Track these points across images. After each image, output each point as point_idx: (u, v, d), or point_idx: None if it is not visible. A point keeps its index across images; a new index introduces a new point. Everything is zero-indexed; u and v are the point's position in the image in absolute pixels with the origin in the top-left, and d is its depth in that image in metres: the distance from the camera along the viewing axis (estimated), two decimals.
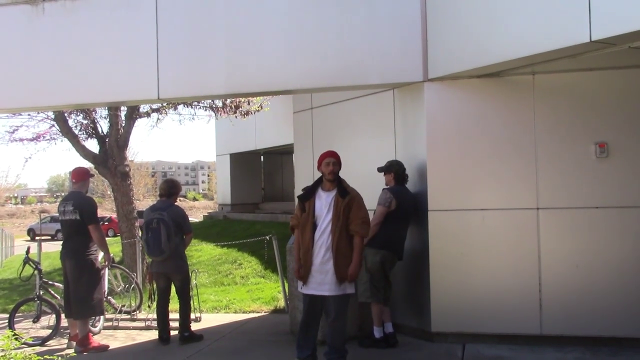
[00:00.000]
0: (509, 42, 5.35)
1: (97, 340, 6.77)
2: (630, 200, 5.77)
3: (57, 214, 6.90)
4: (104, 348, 6.59)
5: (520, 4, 5.24)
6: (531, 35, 5.13)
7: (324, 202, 5.31)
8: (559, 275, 5.91)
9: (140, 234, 10.41)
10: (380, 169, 6.30)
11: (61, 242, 6.81)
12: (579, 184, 5.88)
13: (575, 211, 5.88)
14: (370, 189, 6.39)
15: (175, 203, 6.91)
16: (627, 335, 5.79)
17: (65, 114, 11.52)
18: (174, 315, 6.96)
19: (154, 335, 6.95)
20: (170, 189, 6.89)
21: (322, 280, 5.21)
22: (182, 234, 6.73)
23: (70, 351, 6.32)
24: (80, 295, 6.49)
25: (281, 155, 22.37)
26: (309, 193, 5.39)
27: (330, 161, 5.36)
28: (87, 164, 11.65)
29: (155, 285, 6.98)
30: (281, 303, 8.54)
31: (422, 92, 6.25)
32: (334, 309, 5.26)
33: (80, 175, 6.83)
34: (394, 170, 6.20)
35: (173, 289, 6.84)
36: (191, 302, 7.08)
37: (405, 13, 6.21)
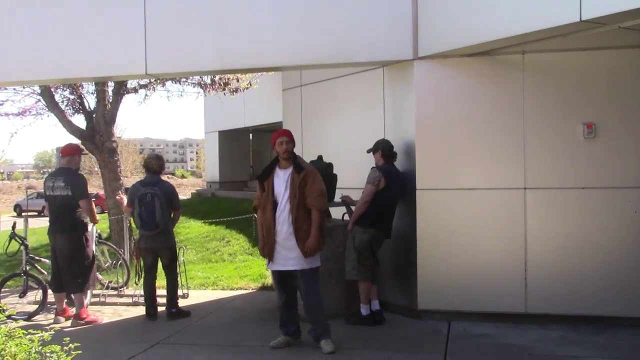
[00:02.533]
0: (499, 20, 5.32)
1: (89, 314, 6.81)
2: (616, 181, 5.80)
3: (44, 190, 6.84)
4: (96, 321, 6.68)
5: None
6: (521, 14, 5.11)
7: (281, 180, 5.39)
8: (545, 254, 5.95)
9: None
10: (368, 151, 6.28)
11: (48, 218, 6.77)
12: (567, 165, 5.90)
13: (562, 191, 5.92)
14: (360, 167, 6.40)
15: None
16: (610, 314, 5.86)
17: (52, 89, 11.41)
18: (161, 291, 6.97)
19: (141, 311, 6.96)
20: (161, 165, 6.92)
21: (287, 256, 5.33)
22: (170, 210, 6.73)
23: (56, 326, 6.32)
24: (76, 270, 6.59)
25: (270, 133, 22.23)
26: (266, 172, 5.47)
27: (284, 140, 5.42)
28: (74, 140, 11.54)
29: (142, 262, 6.96)
30: (269, 280, 8.55)
31: (412, 70, 6.22)
32: (303, 283, 5.38)
33: (68, 151, 6.82)
34: (381, 147, 6.18)
35: (160, 265, 6.84)
36: (179, 278, 7.08)
37: None
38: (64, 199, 6.54)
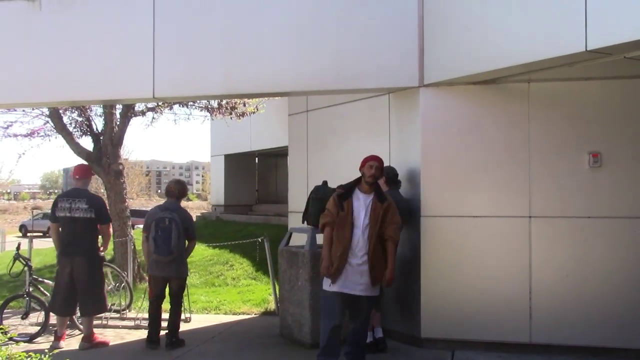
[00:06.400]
0: (505, 49, 5.35)
1: (97, 336, 6.80)
2: (622, 210, 5.78)
3: (54, 210, 6.64)
4: (106, 344, 6.69)
5: (517, 12, 5.25)
6: (527, 43, 5.14)
7: (362, 204, 5.36)
8: (550, 284, 5.91)
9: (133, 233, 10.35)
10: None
11: (60, 239, 6.64)
12: (572, 193, 5.89)
13: (567, 220, 5.89)
14: None
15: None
16: (616, 345, 5.79)
17: (60, 111, 11.48)
18: (164, 315, 6.92)
19: (143, 334, 6.91)
20: (183, 190, 6.80)
21: (357, 281, 5.26)
22: (185, 239, 6.60)
23: (56, 350, 6.31)
24: (93, 293, 6.58)
25: (276, 157, 22.32)
26: (348, 193, 5.41)
27: (374, 165, 5.41)
28: (81, 162, 11.59)
29: (153, 289, 6.68)
30: (272, 305, 8.51)
31: (418, 98, 6.25)
32: (365, 309, 5.37)
33: (84, 172, 6.84)
34: (385, 174, 6.17)
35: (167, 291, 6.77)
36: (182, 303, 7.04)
37: (402, 19, 6.22)
38: (86, 221, 6.51)
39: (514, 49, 5.28)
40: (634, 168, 5.78)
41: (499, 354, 5.95)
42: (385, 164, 6.40)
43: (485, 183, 6.10)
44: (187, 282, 6.96)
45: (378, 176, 5.45)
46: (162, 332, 6.70)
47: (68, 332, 6.98)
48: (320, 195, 6.47)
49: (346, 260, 5.24)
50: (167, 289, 6.72)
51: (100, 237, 6.76)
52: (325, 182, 6.56)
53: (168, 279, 6.61)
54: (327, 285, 5.37)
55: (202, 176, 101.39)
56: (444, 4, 5.99)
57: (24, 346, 6.28)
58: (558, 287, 5.89)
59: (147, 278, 7.46)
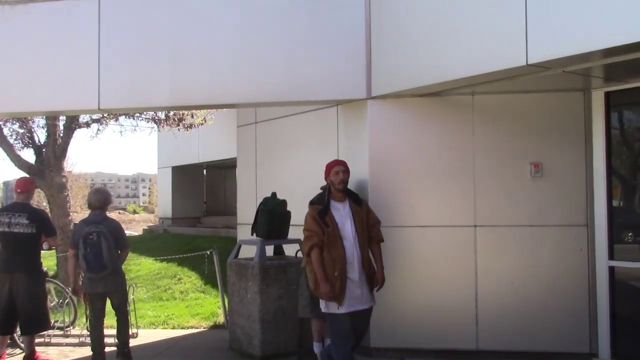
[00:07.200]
0: (450, 63, 5.48)
1: (40, 354, 6.60)
2: (563, 219, 5.96)
3: None
4: None
5: (461, 27, 5.38)
6: (471, 57, 5.28)
7: (342, 213, 5.07)
8: (495, 291, 6.04)
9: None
10: (322, 188, 6.26)
11: (2, 256, 6.32)
12: (515, 203, 6.05)
13: (510, 229, 6.04)
14: None
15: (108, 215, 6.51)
16: (559, 350, 5.96)
17: (1, 122, 11.16)
18: (108, 330, 6.74)
19: (87, 352, 6.71)
20: (104, 199, 6.31)
21: (361, 294, 5.01)
22: (118, 250, 6.26)
23: None
24: (34, 310, 6.31)
25: (224, 169, 22.19)
26: (327, 207, 5.06)
27: (340, 169, 5.16)
28: (22, 175, 11.26)
29: (90, 307, 6.30)
30: (221, 319, 8.43)
31: (366, 109, 6.33)
32: (368, 320, 5.22)
33: (26, 186, 6.58)
34: None
35: (108, 305, 6.57)
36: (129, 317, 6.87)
37: (350, 31, 6.30)
38: (26, 236, 6.26)
39: (458, 62, 5.40)
40: (573, 177, 5.98)
41: None
42: None
43: (431, 193, 6.20)
44: (128, 293, 6.77)
45: (347, 180, 5.20)
46: (108, 350, 6.54)
47: (8, 351, 6.73)
48: (269, 207, 6.48)
49: (346, 277, 4.91)
50: (106, 304, 6.46)
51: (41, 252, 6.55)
52: (274, 194, 6.56)
53: (107, 295, 6.25)
54: (334, 308, 4.96)
55: (149, 188, 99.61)
56: (390, 18, 6.09)
57: None
58: (503, 295, 6.03)
59: None
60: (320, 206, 5.08)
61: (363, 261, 5.01)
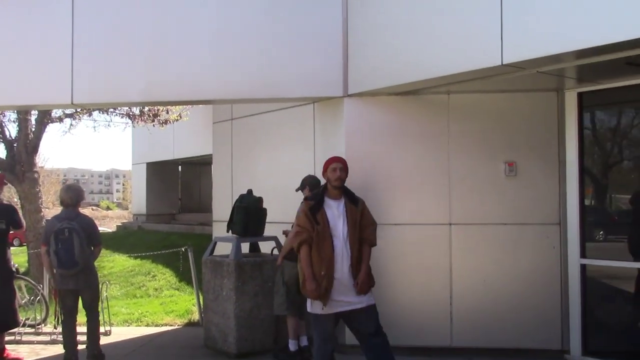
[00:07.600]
0: (425, 62, 5.51)
1: (10, 352, 6.51)
2: (536, 217, 6.04)
3: None
4: None
5: (437, 27, 5.41)
6: (446, 56, 5.31)
7: (335, 212, 4.89)
8: (469, 289, 6.10)
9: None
10: (297, 189, 6.24)
11: None
12: (489, 201, 6.11)
13: (485, 227, 6.11)
14: (289, 202, 6.39)
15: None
16: (531, 347, 6.04)
17: None
18: (80, 328, 6.66)
19: (59, 349, 6.63)
20: (76, 197, 6.20)
21: (348, 295, 4.83)
22: (90, 247, 6.15)
23: None
24: (5, 307, 6.23)
25: (200, 166, 22.06)
26: (319, 204, 4.91)
27: (338, 167, 4.97)
28: None
29: (60, 304, 6.30)
30: (195, 316, 8.39)
31: (342, 107, 6.34)
32: (373, 320, 4.98)
33: None
34: (307, 184, 6.14)
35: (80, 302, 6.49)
36: (100, 316, 6.78)
37: (327, 29, 6.30)
38: None
39: (433, 62, 5.44)
40: (546, 176, 6.06)
41: (422, 358, 6.07)
42: (311, 172, 6.46)
43: (407, 191, 6.24)
44: (100, 290, 6.66)
45: (344, 178, 5.05)
46: (80, 347, 6.46)
47: None
48: (245, 204, 6.46)
49: (333, 277, 4.76)
50: (79, 302, 6.40)
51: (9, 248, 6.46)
52: (250, 191, 6.54)
53: (78, 291, 6.16)
54: (318, 308, 4.84)
55: (123, 185, 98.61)
56: (367, 16, 6.11)
57: None
58: (477, 292, 6.09)
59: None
60: (312, 202, 4.97)
61: (352, 261, 4.88)
